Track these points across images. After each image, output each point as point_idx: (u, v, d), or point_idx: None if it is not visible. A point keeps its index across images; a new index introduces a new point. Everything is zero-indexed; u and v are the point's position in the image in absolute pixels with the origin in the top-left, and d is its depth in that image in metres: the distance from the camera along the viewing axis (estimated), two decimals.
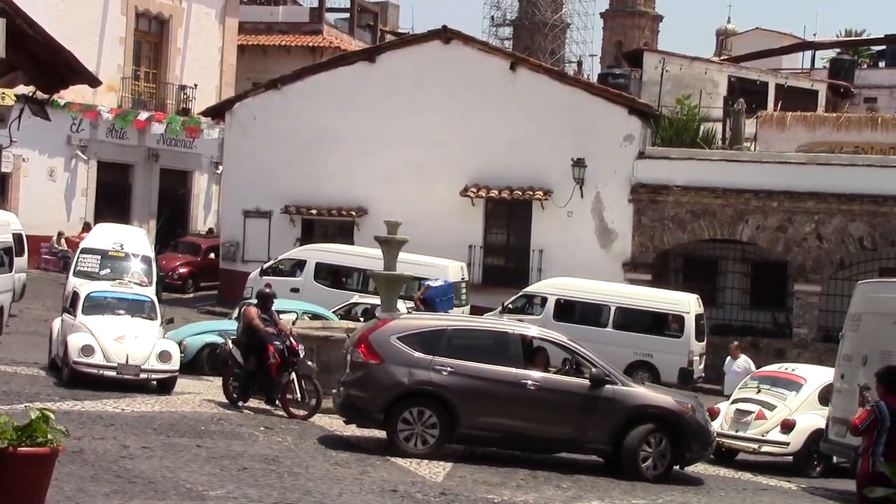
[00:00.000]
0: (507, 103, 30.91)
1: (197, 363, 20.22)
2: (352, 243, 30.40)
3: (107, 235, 25.39)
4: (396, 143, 31.49)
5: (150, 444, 12.97)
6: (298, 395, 16.70)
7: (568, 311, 26.11)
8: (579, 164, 29.88)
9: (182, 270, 34.40)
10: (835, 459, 16.66)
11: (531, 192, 30.57)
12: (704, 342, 26.07)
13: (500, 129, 30.74)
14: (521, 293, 26.96)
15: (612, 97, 31.10)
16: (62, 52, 14.46)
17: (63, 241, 34.13)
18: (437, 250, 27.72)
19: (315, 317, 21.69)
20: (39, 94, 16.22)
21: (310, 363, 17.06)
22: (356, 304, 24.62)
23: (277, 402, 16.74)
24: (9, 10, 13.24)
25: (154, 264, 25.15)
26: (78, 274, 23.52)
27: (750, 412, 17.23)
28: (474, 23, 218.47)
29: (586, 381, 14.51)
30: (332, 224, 32.53)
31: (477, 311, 26.46)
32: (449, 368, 14.26)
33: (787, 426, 16.92)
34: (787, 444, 16.93)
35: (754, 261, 31.12)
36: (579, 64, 77.96)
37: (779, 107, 37.42)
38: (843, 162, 29.71)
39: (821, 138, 34.16)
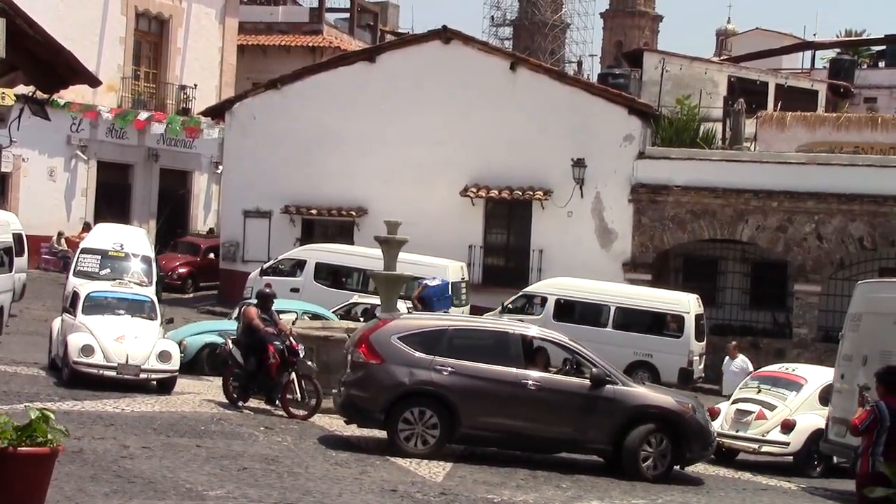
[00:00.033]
0: (507, 103, 30.91)
1: (197, 363, 20.22)
2: (352, 243, 30.39)
3: (107, 235, 25.38)
4: (396, 143, 31.49)
5: (150, 444, 12.97)
6: (298, 395, 16.70)
7: (568, 311, 26.10)
8: (579, 164, 29.89)
9: (181, 270, 34.40)
10: (835, 459, 16.66)
11: (531, 192, 30.57)
12: (704, 342, 26.07)
13: (500, 129, 30.74)
14: (520, 293, 26.95)
15: (612, 97, 31.10)
16: (62, 52, 14.46)
17: (63, 241, 34.12)
18: (437, 250, 27.72)
19: (315, 317, 21.69)
20: (39, 94, 16.21)
21: (310, 363, 17.06)
22: (356, 304, 24.61)
23: (277, 402, 16.73)
24: (9, 10, 13.24)
25: (154, 264, 25.15)
26: (78, 274, 23.52)
27: (750, 412, 17.24)
28: (474, 23, 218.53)
29: (587, 381, 14.51)
30: (332, 224, 32.53)
31: (477, 311, 26.46)
32: (449, 368, 14.26)
33: (788, 426, 16.92)
34: (788, 444, 16.93)
35: (754, 261, 31.12)
36: (579, 64, 78.01)
37: (779, 107, 37.42)
38: (843, 162, 29.71)
39: (821, 138, 34.15)
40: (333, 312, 23.01)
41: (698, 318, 25.62)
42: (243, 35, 44.35)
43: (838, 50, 53.74)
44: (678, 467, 14.77)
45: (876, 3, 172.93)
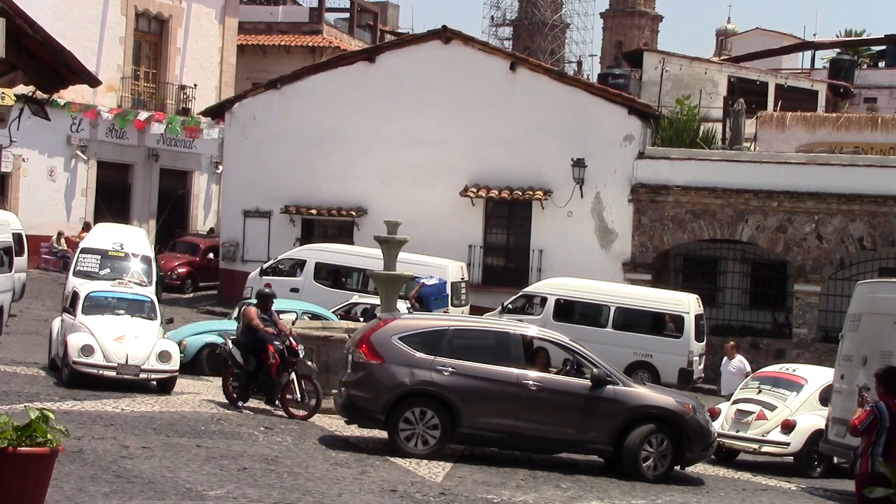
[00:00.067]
0: (507, 103, 30.91)
1: (197, 363, 20.25)
2: (352, 243, 30.39)
3: (107, 235, 25.38)
4: (396, 143, 31.49)
5: (149, 444, 12.97)
6: (298, 395, 16.70)
7: (568, 311, 26.09)
8: (579, 164, 29.88)
9: (181, 270, 34.39)
10: (835, 460, 16.65)
11: (531, 192, 30.56)
12: (704, 342, 26.07)
13: (500, 128, 30.74)
14: (520, 293, 26.94)
15: (612, 97, 31.08)
16: (62, 52, 14.47)
17: (63, 240, 34.13)
18: (437, 250, 27.73)
19: (315, 317, 21.68)
20: (39, 94, 16.24)
21: (310, 363, 17.06)
22: (356, 304, 24.61)
23: (277, 402, 16.74)
24: (9, 10, 13.25)
25: (154, 264, 25.16)
26: (78, 274, 23.53)
27: (750, 412, 17.23)
28: (474, 23, 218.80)
29: (587, 382, 14.51)
30: (332, 224, 32.52)
31: (477, 311, 26.46)
32: (450, 369, 14.26)
33: (788, 426, 16.92)
34: (788, 444, 16.93)
35: (754, 261, 31.11)
36: (579, 64, 77.99)
37: (779, 107, 37.43)
38: (843, 162, 29.71)
39: (821, 138, 34.15)
40: (333, 312, 23.01)
41: (698, 318, 25.61)
42: (243, 35, 44.36)
43: (838, 50, 53.69)
44: (678, 467, 14.77)
45: (876, 3, 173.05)
